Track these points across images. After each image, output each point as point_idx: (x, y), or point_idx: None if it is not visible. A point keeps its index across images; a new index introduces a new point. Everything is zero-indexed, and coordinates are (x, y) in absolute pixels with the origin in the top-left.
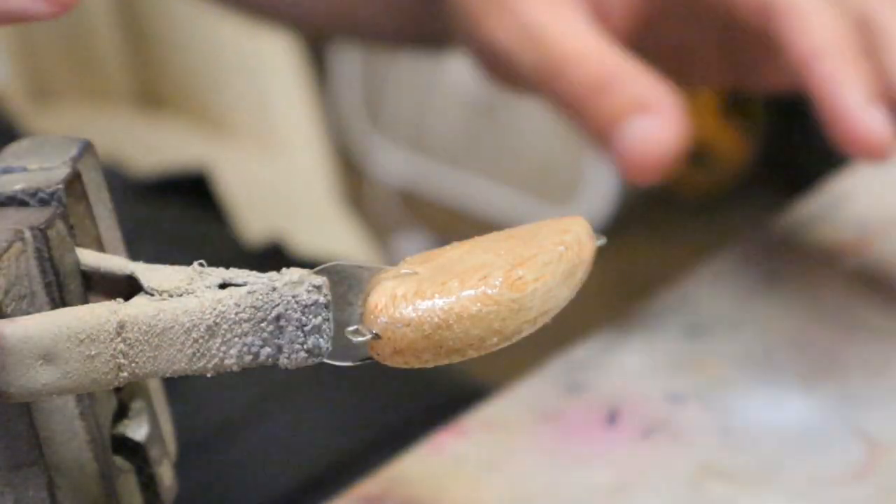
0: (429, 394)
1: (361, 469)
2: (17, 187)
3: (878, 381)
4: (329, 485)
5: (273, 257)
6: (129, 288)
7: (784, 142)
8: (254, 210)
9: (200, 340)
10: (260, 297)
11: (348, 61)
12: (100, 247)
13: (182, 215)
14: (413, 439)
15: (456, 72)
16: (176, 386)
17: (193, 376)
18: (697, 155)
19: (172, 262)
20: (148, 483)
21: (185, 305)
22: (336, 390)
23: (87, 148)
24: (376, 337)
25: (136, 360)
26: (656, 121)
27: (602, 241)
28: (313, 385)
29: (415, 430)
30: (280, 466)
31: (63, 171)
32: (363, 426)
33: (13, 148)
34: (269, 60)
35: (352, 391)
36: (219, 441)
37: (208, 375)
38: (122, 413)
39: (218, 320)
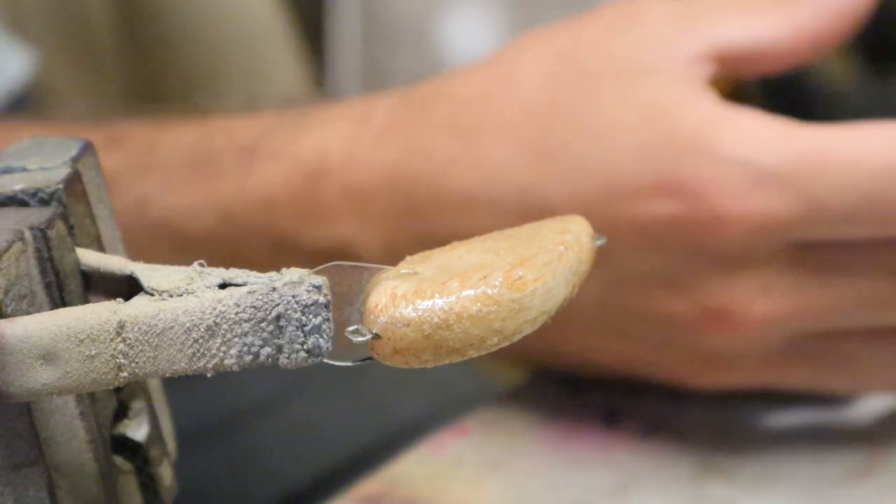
0: (451, 387)
1: (377, 461)
2: (17, 187)
3: None
4: (351, 474)
5: None
6: (129, 288)
7: None
8: None
9: (200, 340)
10: (260, 297)
11: (348, 59)
12: (100, 247)
13: None
14: (433, 431)
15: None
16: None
17: None
18: None
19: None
20: (148, 483)
21: (185, 305)
22: (361, 380)
23: (87, 148)
24: (376, 337)
25: (136, 360)
26: None
27: (602, 241)
28: (338, 375)
29: (436, 422)
30: (302, 453)
31: (63, 171)
32: (387, 417)
33: (13, 148)
34: (269, 60)
35: (377, 382)
36: (243, 424)
37: (208, 376)
38: (122, 413)
39: (218, 320)
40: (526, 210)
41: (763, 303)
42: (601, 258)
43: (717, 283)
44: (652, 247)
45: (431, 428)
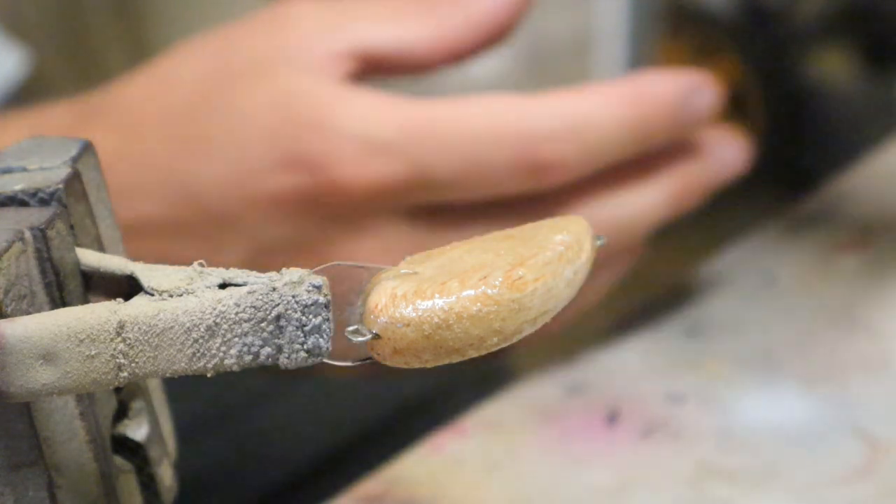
0: (453, 365)
1: (387, 441)
2: (17, 187)
3: (878, 381)
4: (356, 454)
5: None
6: (129, 288)
7: (784, 142)
8: None
9: (200, 340)
10: (260, 297)
11: None
12: (100, 247)
13: None
14: (438, 412)
15: (455, 71)
16: None
17: None
18: None
19: None
20: (148, 483)
21: (185, 305)
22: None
23: (87, 148)
24: (376, 337)
25: (136, 360)
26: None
27: (602, 241)
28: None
29: (440, 402)
30: (306, 436)
31: (63, 171)
32: (389, 398)
33: (13, 148)
34: None
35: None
36: (248, 410)
37: (208, 376)
38: (122, 413)
39: (218, 320)
40: (179, 196)
41: (386, 261)
42: (239, 230)
43: (344, 244)
44: (286, 217)
45: (434, 408)
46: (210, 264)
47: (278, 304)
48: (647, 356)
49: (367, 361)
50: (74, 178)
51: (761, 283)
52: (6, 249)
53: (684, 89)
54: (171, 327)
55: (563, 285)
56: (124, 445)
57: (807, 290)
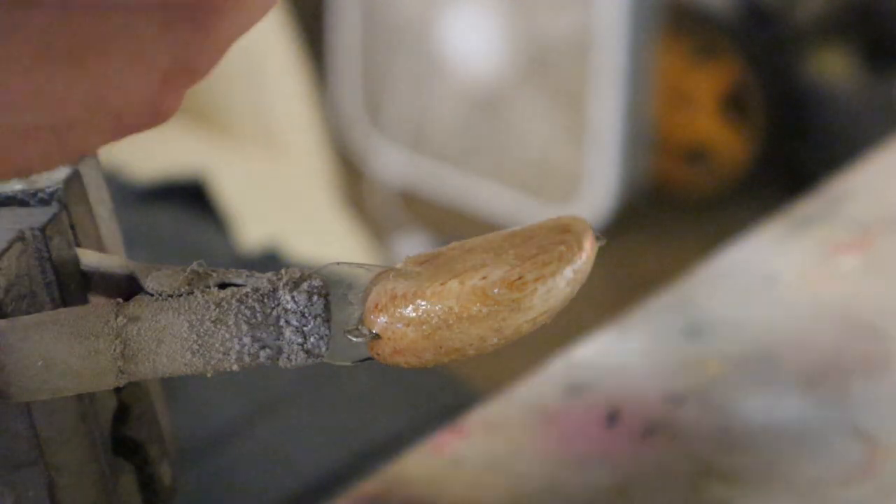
0: (419, 407)
1: (349, 482)
2: (17, 187)
3: (878, 381)
4: (317, 497)
5: (268, 265)
6: (129, 288)
7: (784, 142)
8: (253, 212)
9: (200, 341)
10: (260, 297)
11: (348, 61)
12: (100, 247)
13: (178, 223)
14: (402, 452)
15: (456, 71)
16: (168, 396)
17: (186, 384)
18: (697, 155)
19: None
20: (148, 483)
21: (185, 305)
22: (326, 404)
23: None
24: (376, 337)
25: (136, 360)
26: None
27: (602, 241)
28: (304, 398)
29: (404, 443)
30: (269, 478)
31: (63, 171)
32: (352, 440)
33: None
34: (270, 61)
35: (342, 405)
36: (209, 452)
37: (208, 376)
38: (122, 413)
39: (217, 320)
40: None
41: None
42: None
43: None
44: None
45: (407, 443)
46: None
47: (278, 305)
48: (647, 356)
49: (368, 361)
50: (74, 178)
51: (761, 282)
52: (6, 249)
53: None
54: (171, 327)
55: (563, 285)
56: (124, 445)
57: (807, 290)
